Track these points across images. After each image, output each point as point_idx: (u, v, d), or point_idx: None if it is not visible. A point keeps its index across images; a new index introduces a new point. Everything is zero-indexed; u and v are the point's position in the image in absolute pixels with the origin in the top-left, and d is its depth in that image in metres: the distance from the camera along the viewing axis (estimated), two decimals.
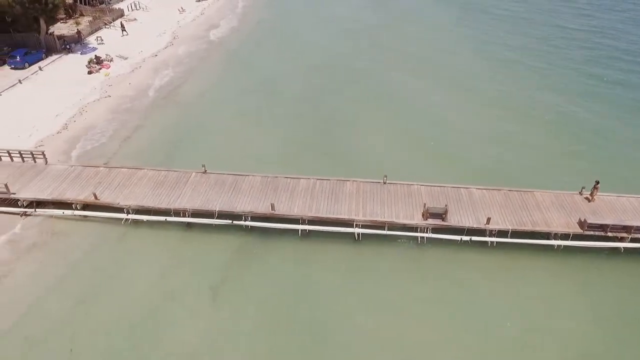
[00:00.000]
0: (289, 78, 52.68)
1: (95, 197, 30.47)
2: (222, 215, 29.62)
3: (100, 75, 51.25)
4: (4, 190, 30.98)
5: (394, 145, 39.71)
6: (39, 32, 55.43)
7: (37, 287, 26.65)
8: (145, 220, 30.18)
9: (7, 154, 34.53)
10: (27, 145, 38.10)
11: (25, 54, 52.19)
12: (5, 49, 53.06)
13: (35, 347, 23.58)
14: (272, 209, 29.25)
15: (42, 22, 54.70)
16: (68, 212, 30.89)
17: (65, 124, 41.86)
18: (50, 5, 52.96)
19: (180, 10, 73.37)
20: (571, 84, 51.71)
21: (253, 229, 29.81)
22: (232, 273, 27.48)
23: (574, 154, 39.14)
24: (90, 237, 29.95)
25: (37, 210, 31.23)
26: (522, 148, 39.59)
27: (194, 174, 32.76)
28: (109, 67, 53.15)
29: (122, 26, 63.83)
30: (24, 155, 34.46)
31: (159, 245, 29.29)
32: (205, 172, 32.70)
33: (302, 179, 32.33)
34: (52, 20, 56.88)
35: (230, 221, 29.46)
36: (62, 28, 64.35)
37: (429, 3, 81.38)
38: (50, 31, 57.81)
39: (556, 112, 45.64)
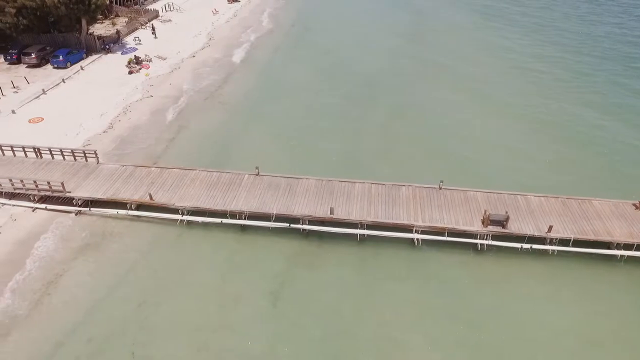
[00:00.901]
0: (329, 80, 52.18)
1: (151, 198, 30.28)
2: (278, 218, 29.23)
3: (140, 76, 51.34)
4: (60, 188, 30.95)
5: (433, 161, 37.84)
6: (80, 32, 55.75)
7: (96, 287, 26.55)
8: (200, 221, 29.88)
9: (59, 153, 34.53)
10: (75, 143, 38.23)
11: (68, 53, 52.51)
12: (48, 48, 53.31)
13: (99, 349, 23.37)
14: (331, 213, 28.81)
15: (83, 22, 55.02)
16: (122, 211, 30.75)
17: (111, 124, 41.89)
18: (93, 6, 53.25)
19: (214, 11, 73.46)
20: (608, 96, 49.23)
21: (309, 232, 29.39)
22: (291, 277, 27.10)
23: (620, 169, 37.35)
24: (145, 238, 29.80)
25: (91, 209, 31.13)
26: (567, 164, 37.89)
27: (247, 176, 32.46)
28: (149, 67, 53.27)
29: (153, 29, 63.76)
30: (76, 154, 34.44)
31: (216, 247, 28.98)
32: (258, 174, 32.37)
33: (357, 183, 31.86)
34: (93, 21, 57.22)
35: (288, 224, 29.08)
36: (99, 28, 64.75)
37: (453, 11, 79.11)
38: (90, 31, 58.11)
39: (596, 127, 43.24)
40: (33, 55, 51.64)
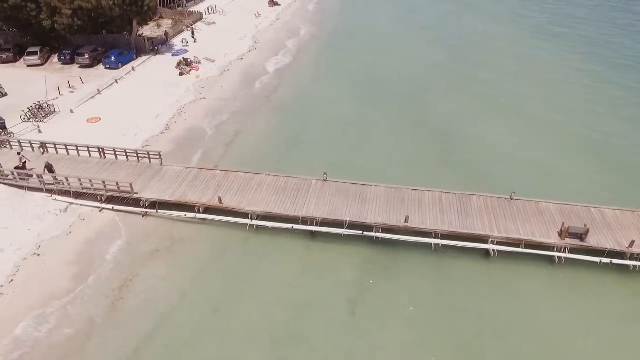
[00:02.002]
0: (380, 84, 51.66)
1: (220, 201, 29.98)
2: (351, 225, 28.68)
3: (191, 77, 51.39)
4: (129, 189, 30.84)
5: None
6: (130, 34, 56.12)
7: (169, 291, 26.21)
8: (270, 227, 29.46)
9: (124, 154, 34.53)
10: (134, 144, 38.16)
11: (119, 54, 52.88)
12: (99, 49, 53.74)
13: (178, 356, 23.01)
14: (406, 222, 28.22)
15: (134, 23, 55.38)
16: (190, 214, 30.49)
17: (167, 125, 41.86)
18: (146, 8, 53.58)
19: (257, 15, 73.55)
20: None
21: (380, 240, 28.77)
22: (366, 285, 26.53)
23: None
24: (213, 242, 29.52)
25: (158, 211, 30.95)
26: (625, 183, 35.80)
27: (314, 181, 32.00)
28: (198, 69, 53.30)
29: (192, 32, 63.69)
30: (140, 155, 34.40)
31: (287, 253, 28.54)
32: (326, 180, 31.90)
33: (427, 192, 31.19)
34: (144, 22, 57.61)
35: (361, 232, 28.52)
36: (145, 30, 65.06)
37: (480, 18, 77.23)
38: (139, 32, 58.48)
39: None
40: (86, 56, 52.09)
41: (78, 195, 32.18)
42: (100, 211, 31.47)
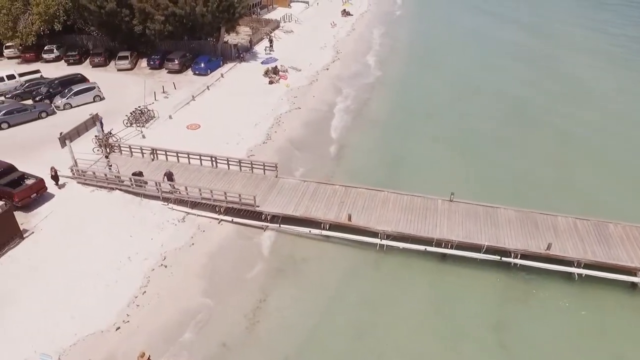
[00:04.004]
0: (468, 99, 50.43)
1: (349, 219, 29.11)
2: (487, 249, 27.42)
3: (280, 86, 51.01)
4: (251, 202, 30.25)
5: None
6: (217, 40, 56.23)
7: (305, 314, 25.25)
8: (401, 247, 28.37)
9: (237, 164, 34.07)
10: (238, 153, 37.56)
11: (208, 61, 53.00)
12: (187, 55, 53.98)
13: None
14: (548, 249, 26.83)
15: (222, 30, 55.47)
16: (315, 231, 29.65)
17: (268, 134, 41.41)
18: (237, 15, 53.63)
19: (332, 24, 73.13)
20: None
21: (516, 267, 27.37)
22: (510, 314, 25.22)
23: None
24: (342, 262, 28.50)
25: (281, 226, 30.24)
26: None
27: (440, 201, 30.85)
28: (287, 78, 52.91)
29: (270, 41, 63.27)
30: (255, 166, 33.87)
31: (421, 277, 27.38)
32: (451, 200, 30.74)
33: (560, 217, 29.62)
34: (232, 29, 57.70)
35: (499, 257, 27.23)
36: (225, 37, 65.25)
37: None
38: (225, 39, 58.61)
39: None
40: (176, 62, 52.42)
41: (193, 204, 31.81)
42: (218, 223, 31.00)
